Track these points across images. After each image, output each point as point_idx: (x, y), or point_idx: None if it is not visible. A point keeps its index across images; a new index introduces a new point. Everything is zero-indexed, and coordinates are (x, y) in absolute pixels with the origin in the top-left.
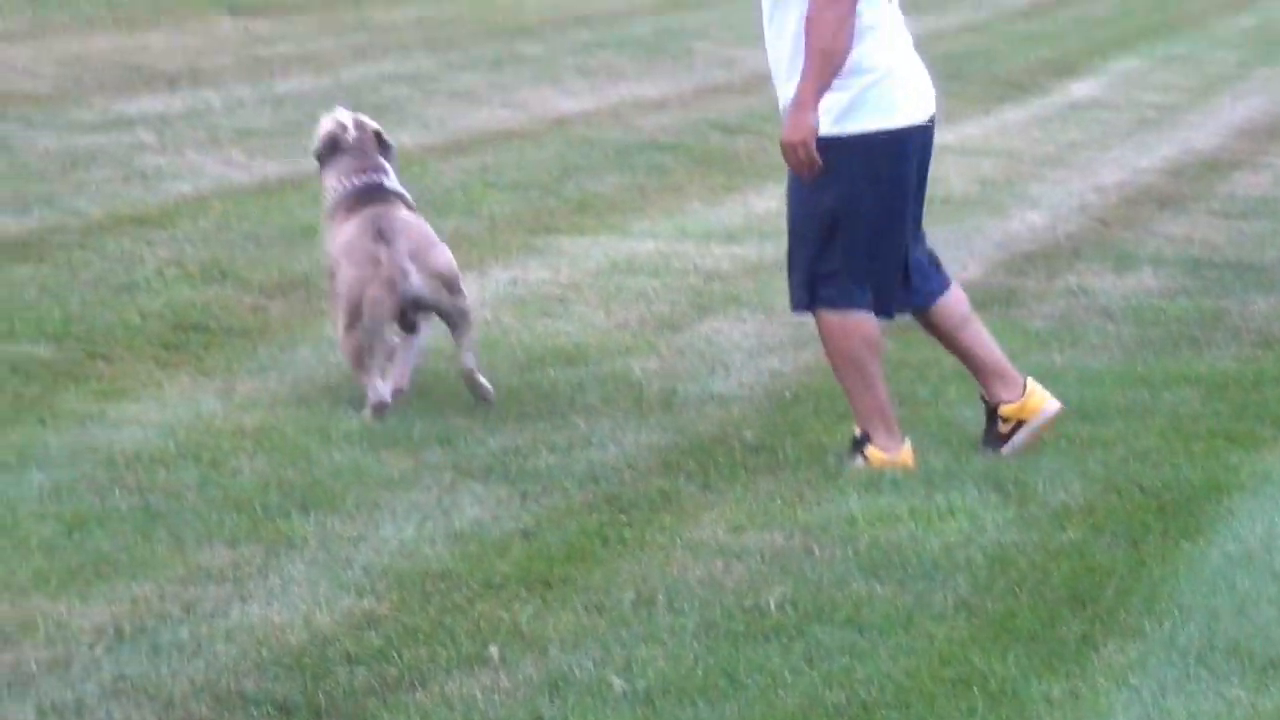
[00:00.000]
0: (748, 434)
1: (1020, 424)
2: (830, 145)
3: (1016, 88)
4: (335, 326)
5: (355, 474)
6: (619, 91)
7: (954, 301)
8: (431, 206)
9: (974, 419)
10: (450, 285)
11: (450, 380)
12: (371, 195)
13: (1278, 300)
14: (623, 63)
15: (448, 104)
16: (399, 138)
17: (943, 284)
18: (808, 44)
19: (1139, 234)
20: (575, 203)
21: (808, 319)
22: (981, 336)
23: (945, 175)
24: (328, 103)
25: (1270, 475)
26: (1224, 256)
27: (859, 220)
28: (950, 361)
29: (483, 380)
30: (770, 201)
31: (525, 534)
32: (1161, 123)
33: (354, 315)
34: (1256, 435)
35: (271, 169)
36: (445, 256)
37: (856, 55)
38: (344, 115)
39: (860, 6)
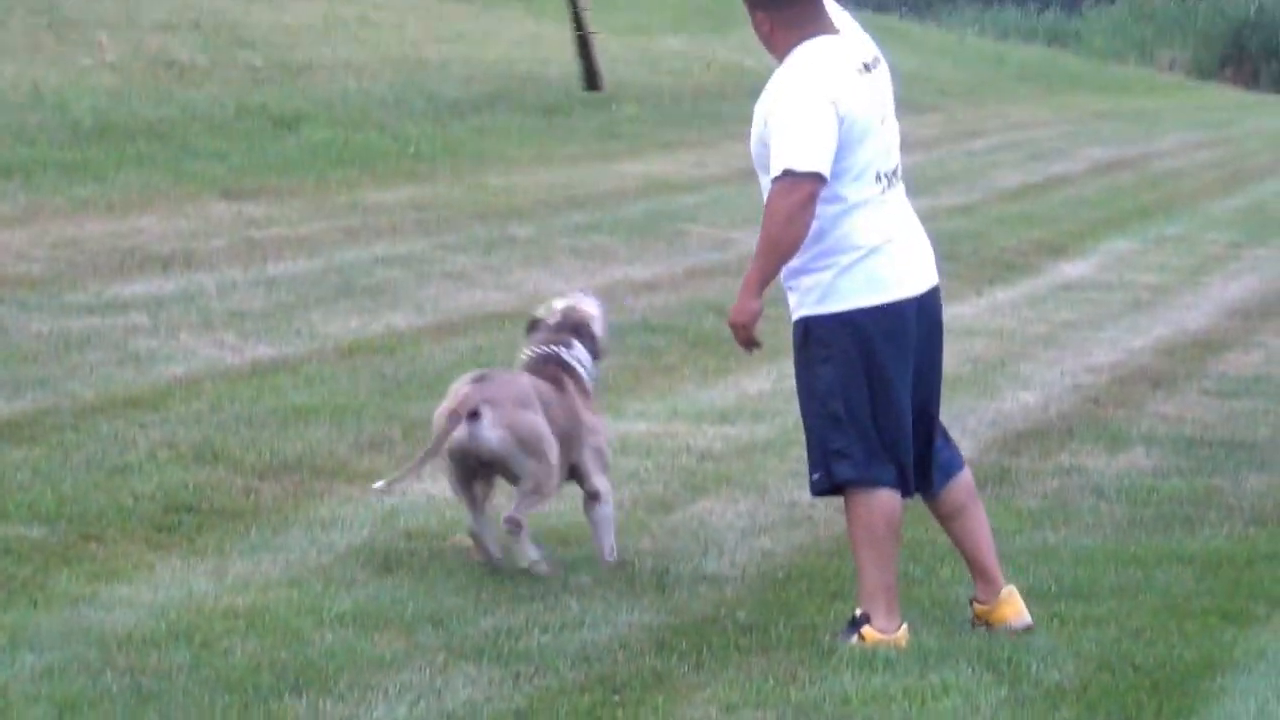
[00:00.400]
0: (741, 614)
1: (988, 624)
2: (819, 324)
3: (1008, 268)
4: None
5: (347, 655)
6: (611, 273)
7: (958, 487)
8: (425, 388)
9: (968, 596)
10: (526, 446)
11: (444, 560)
12: (547, 361)
13: (1270, 478)
14: (615, 244)
15: (441, 285)
16: (391, 320)
17: (955, 467)
18: (761, 228)
19: (1132, 413)
20: None
21: (804, 499)
22: (971, 533)
23: None
24: (320, 285)
25: (1264, 653)
26: (1216, 435)
27: (859, 398)
28: (944, 540)
29: (525, 545)
30: (763, 383)
31: (518, 715)
32: (1154, 303)
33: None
34: (1250, 613)
35: (264, 351)
36: (527, 418)
37: (843, 232)
38: (560, 301)
39: (844, 187)
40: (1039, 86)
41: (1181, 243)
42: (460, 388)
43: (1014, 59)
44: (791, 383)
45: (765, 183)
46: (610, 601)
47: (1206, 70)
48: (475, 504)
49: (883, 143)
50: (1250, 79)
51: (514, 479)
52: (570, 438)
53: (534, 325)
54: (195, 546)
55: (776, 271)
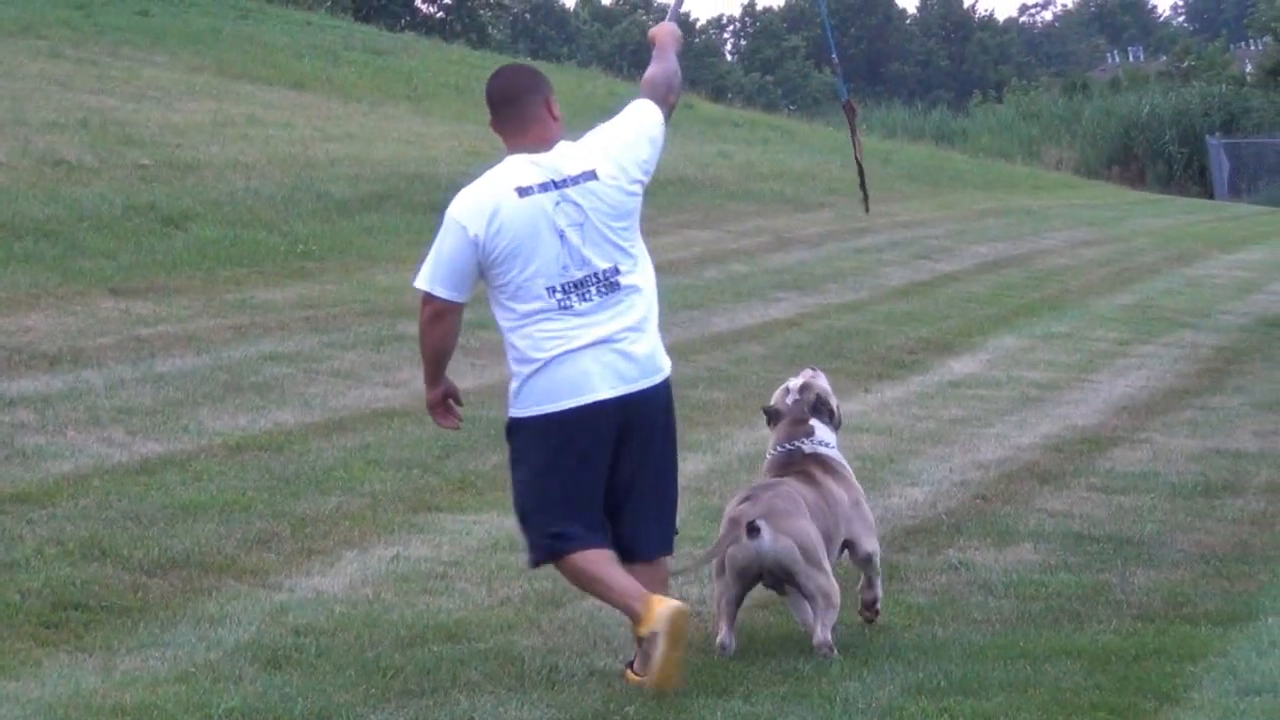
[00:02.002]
0: (630, 709)
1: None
2: (512, 425)
3: (896, 365)
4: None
5: None
6: (501, 370)
7: (639, 572)
8: (313, 485)
9: (859, 692)
10: (808, 555)
11: (332, 656)
12: (792, 458)
13: (1158, 574)
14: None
15: (329, 383)
16: (280, 417)
17: (645, 554)
18: None
19: (1020, 509)
20: (456, 481)
21: (694, 595)
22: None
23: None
24: (209, 382)
25: None
26: (1104, 531)
27: (531, 495)
28: (835, 637)
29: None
30: None
31: None
32: (1042, 400)
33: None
34: (1138, 708)
35: (152, 448)
36: (802, 526)
37: (522, 344)
38: (795, 381)
39: (511, 301)
40: (926, 185)
41: (1069, 340)
42: (735, 507)
43: (901, 157)
44: (680, 479)
45: None
46: (500, 697)
47: (1093, 169)
48: (734, 620)
49: (553, 257)
50: (1137, 178)
51: (799, 588)
52: (834, 529)
53: (773, 416)
54: (83, 643)
55: (432, 371)
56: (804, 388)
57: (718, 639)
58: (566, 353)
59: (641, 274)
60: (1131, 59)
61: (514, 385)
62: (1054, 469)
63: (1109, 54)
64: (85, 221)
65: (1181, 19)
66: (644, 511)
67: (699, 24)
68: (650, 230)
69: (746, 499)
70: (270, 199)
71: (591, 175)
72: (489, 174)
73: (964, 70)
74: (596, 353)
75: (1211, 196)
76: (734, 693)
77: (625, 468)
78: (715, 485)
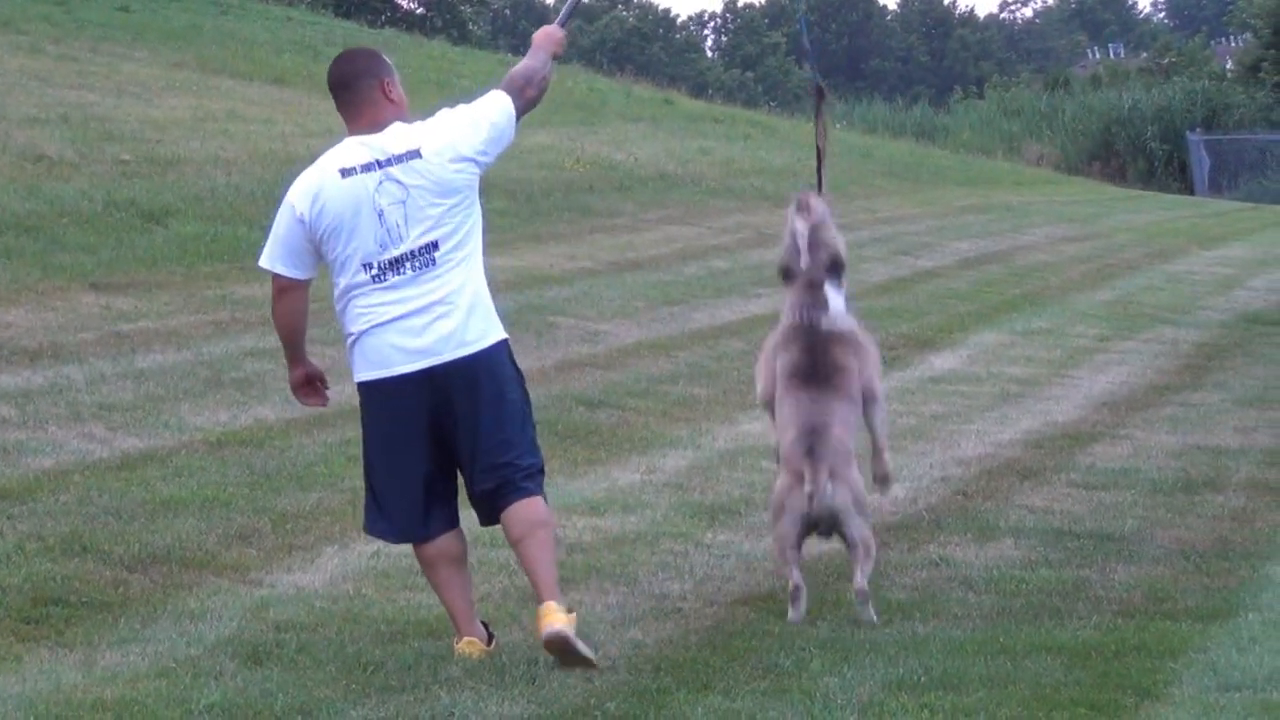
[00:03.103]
0: (611, 705)
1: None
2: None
3: None
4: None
5: None
6: None
7: (514, 519)
8: (294, 480)
9: (839, 687)
10: (858, 508)
11: (313, 651)
12: (812, 342)
13: (1138, 569)
14: None
15: None
16: (261, 412)
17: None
18: None
19: (1000, 505)
20: None
21: (674, 591)
22: (527, 559)
23: None
24: (189, 378)
25: None
26: (1084, 527)
27: (368, 460)
28: (815, 632)
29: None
30: (633, 475)
31: None
32: (1022, 395)
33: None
34: (1119, 704)
35: (132, 443)
36: (853, 478)
37: (347, 315)
38: (800, 224)
39: (337, 276)
40: (906, 181)
41: (1050, 336)
42: (797, 455)
43: (882, 153)
44: (661, 476)
45: None
46: (480, 693)
47: (1074, 165)
48: (798, 561)
49: (371, 235)
50: (1118, 174)
51: (844, 536)
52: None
53: (788, 275)
54: (64, 638)
55: (290, 351)
56: (814, 244)
57: (790, 583)
58: (374, 327)
59: (464, 250)
60: (1112, 55)
61: (349, 353)
62: (1034, 465)
63: (1089, 50)
64: (66, 217)
65: (1162, 15)
66: (493, 468)
67: (680, 20)
68: (630, 227)
69: (808, 451)
70: (251, 195)
71: (415, 154)
72: (322, 156)
73: (945, 66)
74: (400, 326)
75: (1192, 193)
76: (714, 688)
77: (460, 436)
78: (696, 481)
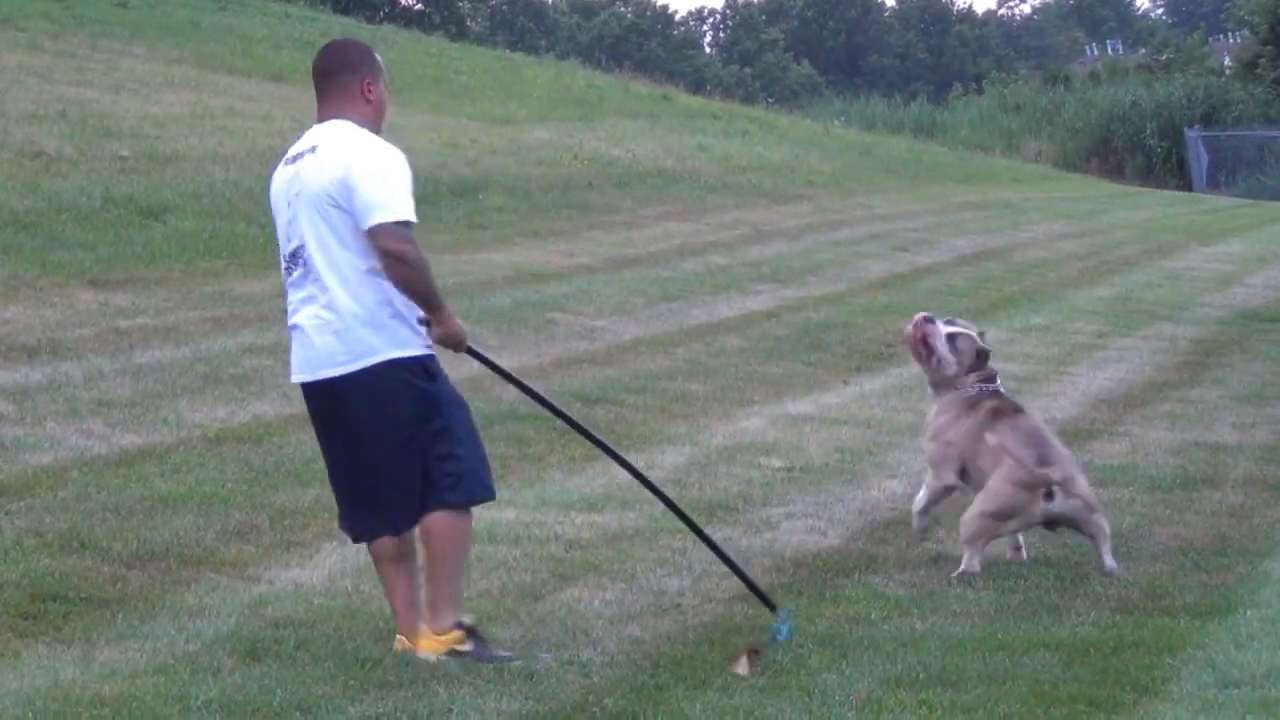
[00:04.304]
0: (609, 701)
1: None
2: None
3: (875, 357)
4: None
5: None
6: (476, 363)
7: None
8: (293, 476)
9: (837, 684)
10: (1088, 507)
11: (311, 648)
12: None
13: (1136, 567)
14: (483, 333)
15: None
16: (259, 409)
17: (373, 532)
18: None
19: None
20: None
21: (673, 587)
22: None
23: (805, 444)
24: (187, 374)
25: None
26: None
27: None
28: (813, 629)
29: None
30: None
31: None
32: (1020, 392)
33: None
34: (1117, 700)
35: (131, 440)
36: (1081, 484)
37: None
38: (968, 328)
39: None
40: (905, 178)
41: (1047, 332)
42: (1033, 465)
43: (880, 150)
44: (660, 472)
45: None
46: (479, 689)
47: (1072, 162)
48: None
49: (281, 225)
50: (1116, 171)
51: (1080, 530)
52: None
53: (985, 357)
54: (62, 634)
55: None
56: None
57: (971, 569)
58: (291, 327)
59: (342, 264)
60: (1110, 52)
61: None
62: None
63: (1087, 47)
64: (64, 213)
65: (1160, 12)
66: (356, 493)
67: (678, 16)
68: (629, 223)
69: (1042, 460)
70: (249, 191)
71: (313, 150)
72: None
73: (943, 63)
74: (296, 333)
75: (1190, 189)
76: (712, 685)
77: (343, 448)
78: (694, 477)
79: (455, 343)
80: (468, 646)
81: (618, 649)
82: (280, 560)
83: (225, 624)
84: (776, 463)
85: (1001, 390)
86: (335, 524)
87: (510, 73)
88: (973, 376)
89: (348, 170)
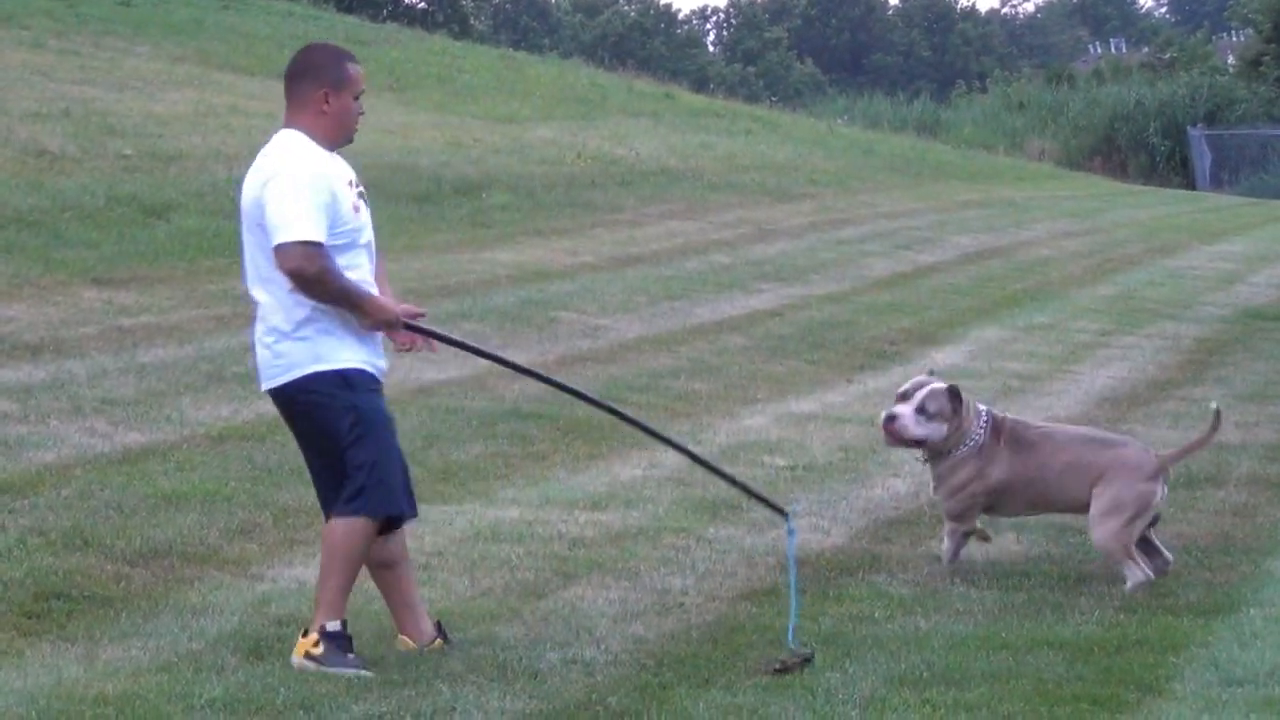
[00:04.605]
0: (613, 700)
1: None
2: None
3: (879, 356)
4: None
5: None
6: (482, 361)
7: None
8: (296, 475)
9: (841, 683)
10: None
11: None
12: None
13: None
14: (486, 332)
15: None
16: (262, 407)
17: None
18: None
19: None
20: (439, 471)
21: (676, 585)
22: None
23: (808, 442)
24: (191, 372)
25: None
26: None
27: None
28: (816, 628)
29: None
30: (634, 470)
31: None
32: (1024, 390)
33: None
34: (1121, 699)
35: (134, 438)
36: None
37: None
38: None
39: None
40: (908, 176)
41: (1051, 331)
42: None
43: (884, 148)
44: (663, 470)
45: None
46: (482, 687)
47: (1076, 160)
48: None
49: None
50: (1119, 169)
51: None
52: None
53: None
54: (65, 633)
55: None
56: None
57: (1141, 576)
58: None
59: (268, 276)
60: (1114, 50)
61: None
62: None
63: (1091, 45)
64: (68, 212)
65: (1163, 10)
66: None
67: (681, 14)
68: (632, 221)
69: (1154, 456)
70: None
71: (255, 162)
72: None
73: (946, 61)
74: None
75: (1194, 188)
76: (715, 683)
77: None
78: (698, 476)
79: (388, 325)
80: (318, 651)
81: (621, 647)
82: (283, 558)
83: (229, 622)
84: (780, 461)
85: (993, 412)
86: None
87: (514, 71)
88: (967, 421)
89: (263, 189)
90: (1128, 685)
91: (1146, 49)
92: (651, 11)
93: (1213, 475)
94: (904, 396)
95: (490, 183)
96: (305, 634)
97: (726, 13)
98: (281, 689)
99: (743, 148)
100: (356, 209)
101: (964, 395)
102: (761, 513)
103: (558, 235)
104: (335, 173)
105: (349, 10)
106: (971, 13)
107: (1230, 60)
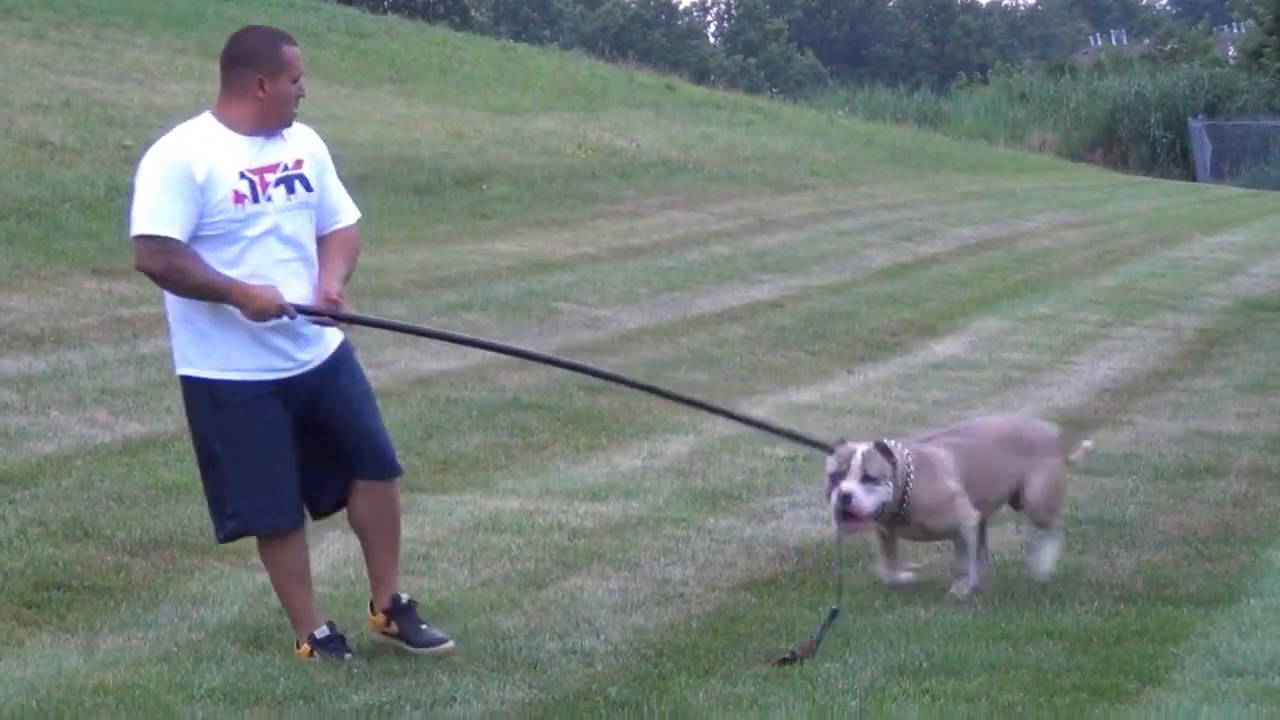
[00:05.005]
0: (612, 690)
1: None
2: None
3: (879, 347)
4: None
5: None
6: (483, 352)
7: None
8: None
9: (840, 673)
10: None
11: None
12: None
13: (1140, 556)
14: (487, 323)
15: None
16: None
17: None
18: (351, 261)
19: None
20: (439, 461)
21: (676, 575)
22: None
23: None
24: None
25: None
26: (1086, 513)
27: None
28: (816, 618)
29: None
30: (635, 460)
31: None
32: (1024, 381)
33: None
34: (1120, 689)
35: (134, 429)
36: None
37: None
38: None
39: None
40: (908, 167)
41: (1051, 322)
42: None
43: (884, 140)
44: (663, 461)
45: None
46: (482, 677)
47: (1076, 151)
48: None
49: None
50: (1120, 160)
51: None
52: None
53: None
54: (66, 623)
55: None
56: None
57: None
58: None
59: None
60: (1114, 42)
61: None
62: None
63: (1091, 37)
64: (68, 203)
65: (1164, 2)
66: None
67: (682, 5)
68: (633, 212)
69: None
70: None
71: None
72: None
73: (946, 53)
74: None
75: (1194, 179)
76: (715, 673)
77: None
78: (698, 466)
79: (265, 312)
80: (315, 658)
81: (621, 637)
82: None
83: (229, 612)
84: (780, 452)
85: (901, 446)
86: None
87: (514, 63)
88: (901, 469)
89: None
90: (1127, 675)
91: (1147, 40)
92: (652, 3)
93: (1213, 466)
94: (838, 476)
95: (491, 174)
96: (298, 646)
97: (727, 4)
98: (281, 679)
99: (743, 139)
100: (242, 199)
101: (888, 444)
102: (761, 503)
103: (558, 226)
104: (209, 159)
105: (349, 2)
106: (972, 5)
107: (1231, 52)
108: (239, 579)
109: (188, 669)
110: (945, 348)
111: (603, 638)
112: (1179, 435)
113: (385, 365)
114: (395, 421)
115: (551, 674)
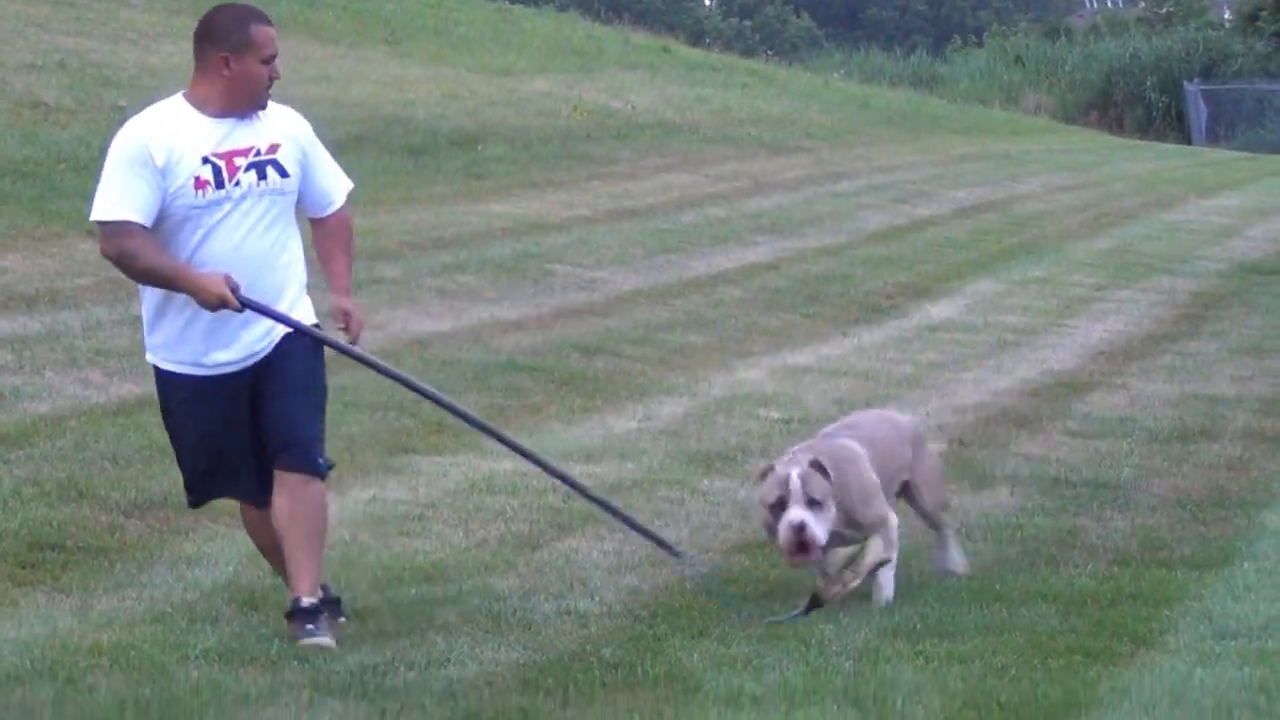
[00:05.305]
0: (607, 651)
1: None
2: None
3: (874, 309)
4: None
5: (213, 691)
6: (477, 313)
7: None
8: None
9: (834, 635)
10: None
11: None
12: None
13: (1134, 519)
14: (481, 284)
15: None
16: None
17: None
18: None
19: (996, 454)
20: (433, 423)
21: (669, 537)
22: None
23: (803, 395)
24: None
25: (1128, 691)
26: (1080, 476)
27: None
28: (811, 580)
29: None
30: (629, 422)
31: None
32: (1019, 344)
33: None
34: (1114, 651)
35: (129, 389)
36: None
37: None
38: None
39: None
40: (904, 129)
41: (1046, 284)
42: None
43: (880, 102)
44: (658, 423)
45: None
46: (476, 638)
47: (1072, 114)
48: None
49: None
50: (1115, 124)
51: None
52: None
53: None
54: (60, 583)
55: None
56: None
57: None
58: None
59: None
60: (1110, 5)
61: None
62: (1031, 413)
63: (1087, 0)
64: (63, 163)
65: None
66: None
67: None
68: (628, 174)
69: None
70: None
71: None
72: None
73: (942, 15)
74: None
75: (1189, 142)
76: (710, 634)
77: None
78: (692, 428)
79: (213, 301)
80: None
81: (615, 599)
82: None
83: (223, 573)
84: (775, 414)
85: (814, 448)
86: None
87: (510, 24)
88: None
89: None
90: (1121, 638)
91: (1143, 3)
92: None
93: (1207, 429)
94: (780, 504)
95: (486, 135)
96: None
97: None
98: (276, 640)
99: (739, 101)
100: (203, 184)
101: (821, 460)
102: (755, 465)
103: (553, 188)
104: (170, 141)
105: None
106: None
107: (1226, 15)
108: (234, 540)
109: (182, 629)
110: (940, 310)
111: (597, 599)
112: (1173, 398)
113: (379, 327)
114: (389, 383)
115: (546, 635)
